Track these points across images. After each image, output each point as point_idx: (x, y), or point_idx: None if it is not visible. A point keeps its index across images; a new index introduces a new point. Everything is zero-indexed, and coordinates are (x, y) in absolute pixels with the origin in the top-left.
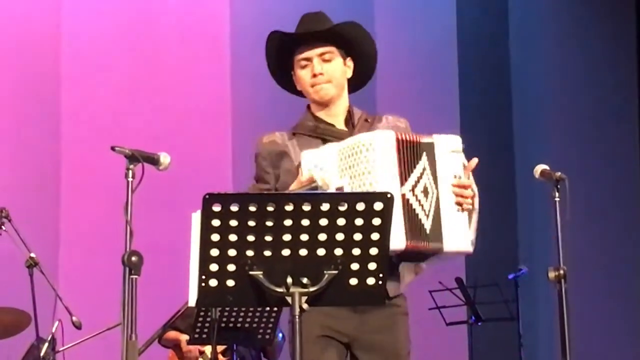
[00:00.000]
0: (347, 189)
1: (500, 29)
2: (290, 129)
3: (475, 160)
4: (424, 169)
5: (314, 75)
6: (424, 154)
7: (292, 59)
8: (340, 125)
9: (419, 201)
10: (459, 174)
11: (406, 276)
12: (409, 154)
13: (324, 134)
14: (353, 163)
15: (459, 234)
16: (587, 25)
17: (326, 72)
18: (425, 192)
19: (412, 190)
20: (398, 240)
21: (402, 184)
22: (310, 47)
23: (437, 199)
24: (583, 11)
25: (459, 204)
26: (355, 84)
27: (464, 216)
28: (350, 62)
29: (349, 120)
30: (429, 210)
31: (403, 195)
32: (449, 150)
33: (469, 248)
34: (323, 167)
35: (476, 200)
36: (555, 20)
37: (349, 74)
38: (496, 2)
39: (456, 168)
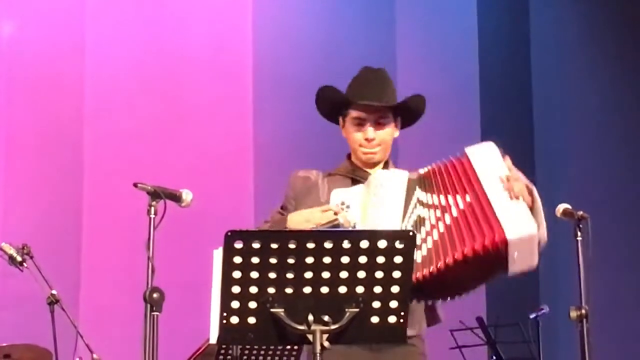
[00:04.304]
0: (358, 222)
1: (523, 67)
2: (327, 171)
3: (508, 159)
4: (416, 202)
5: (366, 139)
6: (417, 187)
7: (345, 108)
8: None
9: None
10: (505, 173)
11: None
12: (409, 191)
13: (355, 175)
14: (369, 197)
15: (520, 219)
16: (612, 60)
17: (378, 136)
18: (418, 224)
19: (406, 226)
20: None
21: (402, 220)
22: (369, 110)
23: (477, 196)
24: (608, 43)
25: (511, 194)
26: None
27: (522, 203)
28: (399, 121)
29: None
30: (425, 237)
31: None
32: (488, 155)
33: (534, 230)
34: (350, 204)
35: (534, 192)
36: (579, 57)
37: (397, 133)
38: (519, 43)
39: (500, 168)
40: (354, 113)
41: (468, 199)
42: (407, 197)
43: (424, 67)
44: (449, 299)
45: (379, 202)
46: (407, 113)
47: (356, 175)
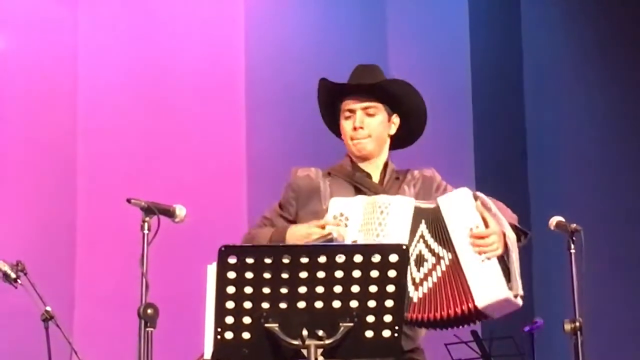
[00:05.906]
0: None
1: (515, 80)
2: (327, 168)
3: (479, 204)
4: (421, 236)
5: (355, 129)
6: (423, 221)
7: (339, 107)
8: (376, 177)
9: (409, 270)
10: (476, 223)
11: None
12: (413, 222)
13: (358, 182)
14: (370, 220)
15: (489, 284)
16: (602, 74)
17: (367, 126)
18: (420, 260)
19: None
20: None
21: None
22: (356, 99)
23: (453, 259)
24: (598, 60)
25: (481, 253)
26: (404, 140)
27: (492, 264)
28: (396, 119)
29: (383, 175)
30: (422, 279)
31: None
32: (458, 207)
33: (504, 293)
34: (349, 216)
35: (508, 240)
36: (571, 71)
37: (393, 130)
38: (510, 54)
39: (470, 219)
40: (344, 106)
41: (449, 257)
42: (413, 228)
43: (415, 71)
44: (444, 329)
45: (382, 230)
46: (399, 105)
47: (358, 182)
